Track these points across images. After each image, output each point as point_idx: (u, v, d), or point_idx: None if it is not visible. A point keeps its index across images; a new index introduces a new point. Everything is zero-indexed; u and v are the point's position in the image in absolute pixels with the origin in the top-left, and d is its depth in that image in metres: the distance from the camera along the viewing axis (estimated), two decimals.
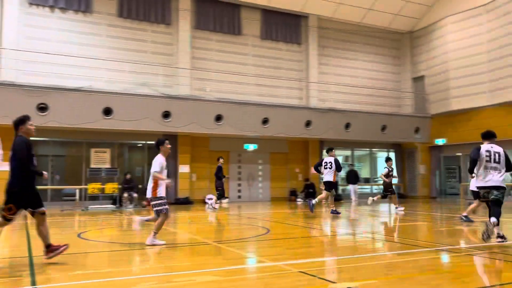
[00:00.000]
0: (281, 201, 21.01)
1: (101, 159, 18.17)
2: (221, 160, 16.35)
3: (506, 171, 7.25)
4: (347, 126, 21.10)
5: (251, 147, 21.19)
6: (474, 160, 7.32)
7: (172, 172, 18.49)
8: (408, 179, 24.46)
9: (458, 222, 10.80)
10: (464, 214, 10.88)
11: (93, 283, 4.80)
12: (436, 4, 23.22)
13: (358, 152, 24.63)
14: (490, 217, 7.24)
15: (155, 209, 7.38)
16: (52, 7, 17.60)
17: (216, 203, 16.27)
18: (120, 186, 17.28)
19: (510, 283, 5.06)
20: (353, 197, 19.93)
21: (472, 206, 10.69)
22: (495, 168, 7.19)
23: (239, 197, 20.97)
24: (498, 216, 7.14)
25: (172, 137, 19.10)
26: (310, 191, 21.13)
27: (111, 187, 16.88)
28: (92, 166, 17.77)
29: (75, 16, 18.04)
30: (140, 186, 18.19)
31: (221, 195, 16.29)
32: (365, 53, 23.91)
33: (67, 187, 18.02)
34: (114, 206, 17.15)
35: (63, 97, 15.91)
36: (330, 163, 13.04)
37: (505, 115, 19.49)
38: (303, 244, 7.96)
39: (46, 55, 16.55)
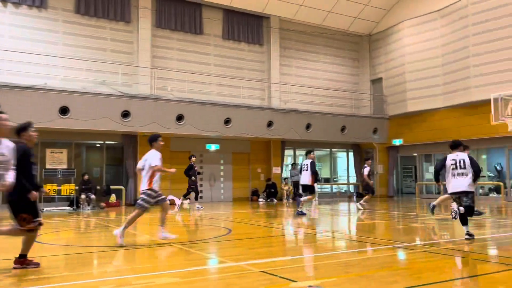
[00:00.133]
0: (243, 201, 21.02)
1: (57, 159, 17.66)
2: (193, 159, 16.26)
3: (474, 173, 7.79)
4: (308, 126, 21.38)
5: (213, 147, 21.09)
6: (436, 171, 8.28)
7: (132, 174, 18.16)
8: None
9: (414, 220, 11.14)
10: (434, 203, 11.04)
11: None
12: (393, 8, 23.92)
13: (318, 152, 24.97)
14: (462, 223, 7.78)
15: (155, 199, 7.56)
16: (4, 2, 16.86)
17: (187, 202, 16.66)
18: (77, 188, 16.80)
19: (462, 278, 5.29)
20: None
21: (444, 196, 10.85)
22: (461, 174, 7.80)
23: (201, 197, 20.76)
24: (467, 223, 7.77)
25: (132, 137, 18.77)
26: (272, 191, 21.28)
27: (68, 189, 16.39)
28: (48, 167, 17.21)
29: (29, 11, 17.36)
30: (98, 187, 17.74)
31: (187, 194, 16.40)
32: (325, 55, 24.29)
33: None
34: (71, 208, 16.65)
35: (16, 95, 15.27)
36: (306, 165, 13.26)
37: (458, 116, 20.31)
38: (265, 244, 8.00)
39: None
